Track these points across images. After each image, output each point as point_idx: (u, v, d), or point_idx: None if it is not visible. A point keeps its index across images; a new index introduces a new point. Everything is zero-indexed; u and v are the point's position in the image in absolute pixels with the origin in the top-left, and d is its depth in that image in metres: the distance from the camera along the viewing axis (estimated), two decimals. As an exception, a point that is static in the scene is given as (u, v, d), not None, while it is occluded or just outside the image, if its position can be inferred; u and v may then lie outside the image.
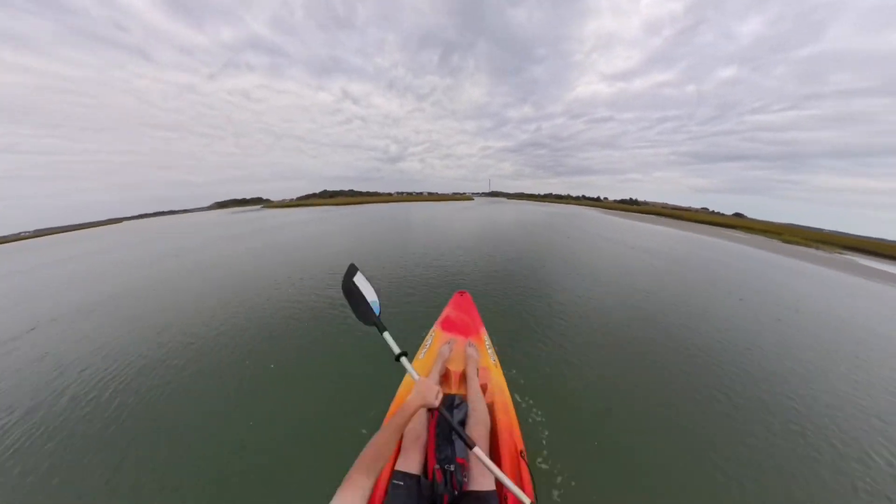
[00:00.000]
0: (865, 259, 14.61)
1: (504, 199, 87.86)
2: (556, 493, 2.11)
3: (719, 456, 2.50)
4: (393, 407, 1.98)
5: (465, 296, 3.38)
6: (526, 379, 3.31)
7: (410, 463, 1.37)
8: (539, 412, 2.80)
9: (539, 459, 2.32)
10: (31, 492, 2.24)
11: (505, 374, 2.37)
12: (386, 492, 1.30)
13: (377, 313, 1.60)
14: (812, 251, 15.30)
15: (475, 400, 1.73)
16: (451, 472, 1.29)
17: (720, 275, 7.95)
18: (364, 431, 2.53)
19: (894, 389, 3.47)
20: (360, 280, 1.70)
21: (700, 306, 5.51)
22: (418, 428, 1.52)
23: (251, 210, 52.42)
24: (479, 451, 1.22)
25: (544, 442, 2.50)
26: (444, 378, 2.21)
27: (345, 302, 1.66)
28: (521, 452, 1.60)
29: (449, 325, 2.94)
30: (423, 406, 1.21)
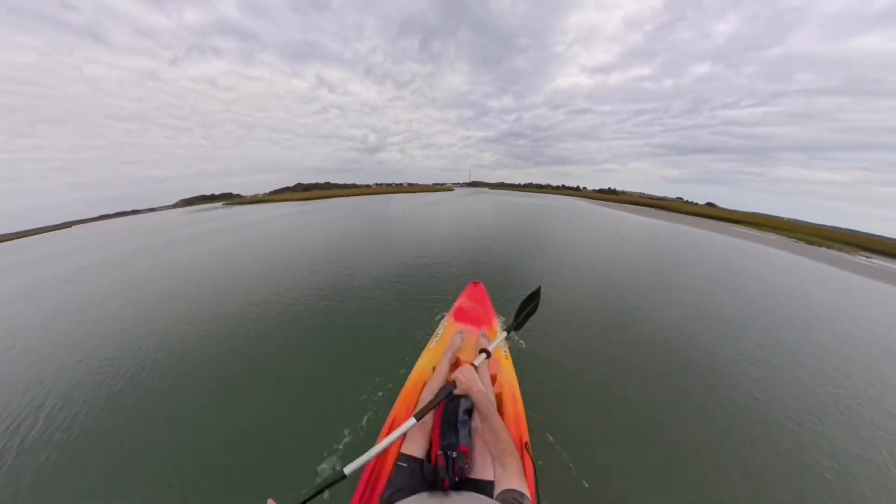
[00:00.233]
0: None
1: (486, 189, 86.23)
2: (558, 487, 2.06)
3: (751, 454, 2.46)
4: (408, 385, 2.12)
5: (478, 286, 3.38)
6: (538, 371, 3.25)
7: (415, 447, 1.42)
8: (547, 406, 2.75)
9: (543, 452, 2.28)
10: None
11: (515, 366, 2.35)
12: (391, 472, 1.39)
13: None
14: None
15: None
16: (454, 459, 1.29)
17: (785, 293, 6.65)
18: (346, 432, 2.48)
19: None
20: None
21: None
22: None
23: (213, 208, 47.88)
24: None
25: (550, 438, 2.44)
26: (454, 367, 2.16)
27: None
28: (526, 445, 1.63)
29: (462, 316, 2.96)
30: (462, 391, 1.38)
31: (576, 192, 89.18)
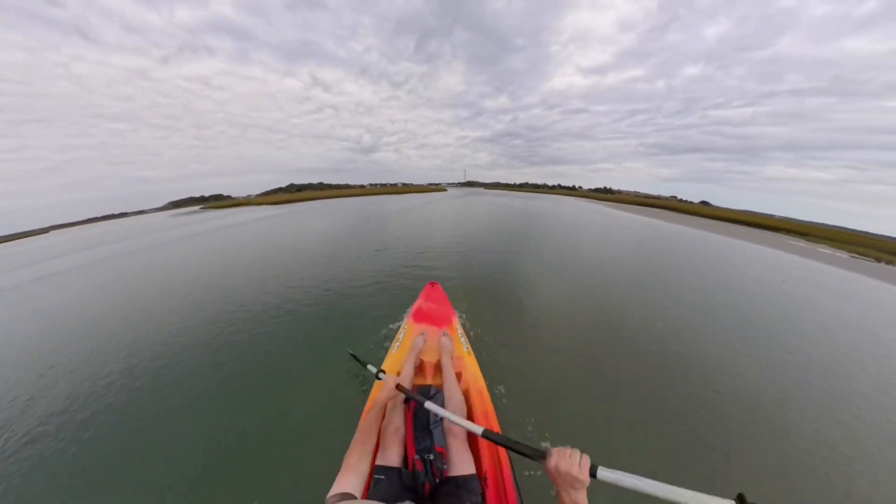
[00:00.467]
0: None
1: (482, 190, 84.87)
2: (533, 474, 2.04)
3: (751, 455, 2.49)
4: (367, 405, 2.07)
5: (436, 286, 3.50)
6: (499, 365, 3.26)
7: (390, 456, 1.42)
8: (513, 397, 2.80)
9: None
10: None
11: (478, 361, 2.44)
12: (367, 487, 1.32)
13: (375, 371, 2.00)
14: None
15: (451, 389, 1.83)
16: (431, 461, 1.32)
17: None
18: (332, 434, 2.47)
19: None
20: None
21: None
22: (396, 421, 1.56)
23: (192, 212, 45.05)
24: (431, 405, 1.38)
25: (521, 426, 2.49)
26: (419, 369, 2.21)
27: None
28: None
29: (421, 317, 2.98)
30: (387, 398, 1.55)
31: (572, 191, 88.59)
